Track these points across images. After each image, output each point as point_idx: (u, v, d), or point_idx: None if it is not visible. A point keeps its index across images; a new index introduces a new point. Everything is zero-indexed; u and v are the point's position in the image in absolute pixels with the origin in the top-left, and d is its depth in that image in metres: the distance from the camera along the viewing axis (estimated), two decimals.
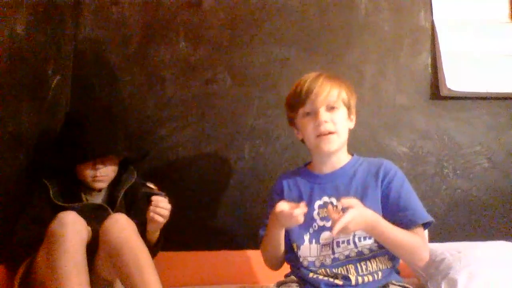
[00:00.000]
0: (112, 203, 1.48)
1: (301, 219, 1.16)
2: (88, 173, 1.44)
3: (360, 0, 1.98)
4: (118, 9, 1.92)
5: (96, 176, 1.44)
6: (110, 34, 1.90)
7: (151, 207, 1.33)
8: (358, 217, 1.11)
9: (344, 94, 1.30)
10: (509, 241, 1.63)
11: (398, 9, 1.99)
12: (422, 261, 1.22)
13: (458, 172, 1.89)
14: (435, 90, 1.94)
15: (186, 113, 1.87)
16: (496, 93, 1.92)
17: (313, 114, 1.27)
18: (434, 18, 1.99)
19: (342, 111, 1.29)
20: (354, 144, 1.81)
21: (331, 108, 1.27)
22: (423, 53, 1.97)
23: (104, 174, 1.45)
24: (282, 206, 1.17)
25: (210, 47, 1.92)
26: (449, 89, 1.89)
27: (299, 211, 1.15)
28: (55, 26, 1.73)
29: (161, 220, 1.35)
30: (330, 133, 1.26)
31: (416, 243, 1.19)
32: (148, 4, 1.93)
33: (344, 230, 1.08)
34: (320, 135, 1.26)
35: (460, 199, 1.87)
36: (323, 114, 1.25)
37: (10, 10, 1.42)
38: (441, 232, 1.81)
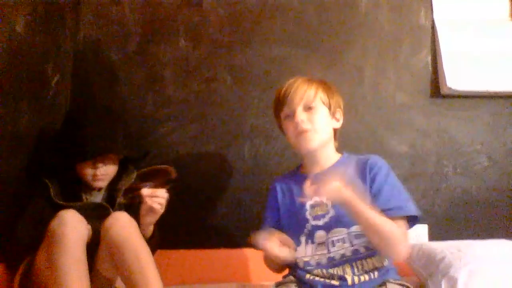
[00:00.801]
0: (111, 202, 1.49)
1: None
2: (88, 171, 1.44)
3: None
4: (118, 9, 1.92)
5: (96, 175, 1.44)
6: (110, 34, 1.91)
7: (151, 194, 1.33)
8: (339, 187, 1.13)
9: (321, 94, 1.33)
10: (509, 239, 1.63)
11: (398, 8, 1.99)
12: (398, 254, 1.20)
13: (458, 170, 1.89)
14: (435, 88, 1.94)
15: (186, 112, 1.87)
16: (497, 92, 1.92)
17: (292, 115, 1.32)
18: (434, 16, 1.99)
19: (321, 110, 1.32)
20: (355, 143, 1.82)
21: (308, 108, 1.31)
22: (423, 52, 1.96)
23: (104, 172, 1.45)
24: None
25: (210, 46, 1.92)
26: (449, 88, 1.89)
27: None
28: (55, 26, 1.74)
29: (160, 209, 1.35)
30: (307, 131, 1.29)
31: (394, 232, 1.16)
32: (148, 4, 1.93)
33: (318, 190, 1.11)
34: (299, 135, 1.30)
35: (460, 198, 1.87)
36: (299, 114, 1.30)
37: (10, 10, 1.42)
38: (441, 230, 1.81)
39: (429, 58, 1.96)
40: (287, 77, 1.86)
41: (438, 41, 1.95)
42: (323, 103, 1.33)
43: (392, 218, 1.18)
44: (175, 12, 1.93)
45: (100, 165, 1.44)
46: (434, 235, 1.77)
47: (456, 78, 1.90)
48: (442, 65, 1.92)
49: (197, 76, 1.90)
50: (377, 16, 1.98)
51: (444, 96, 1.93)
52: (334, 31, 1.96)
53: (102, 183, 1.47)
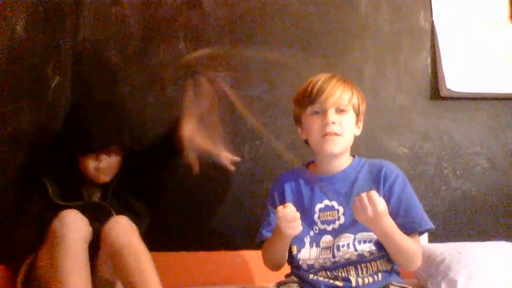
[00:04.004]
0: (105, 200, 1.48)
1: (299, 227, 1.16)
2: (91, 164, 1.43)
3: (360, 0, 1.98)
4: (118, 9, 1.92)
5: (100, 168, 1.43)
6: (110, 34, 1.90)
7: None
8: (383, 213, 1.10)
9: (355, 100, 1.30)
10: (509, 241, 1.64)
11: (398, 9, 1.99)
12: (415, 267, 1.24)
13: (457, 172, 1.89)
14: (435, 90, 1.94)
15: None
16: (496, 93, 1.92)
17: (322, 113, 1.26)
18: (433, 18, 1.99)
19: (350, 116, 1.29)
20: (354, 144, 1.80)
21: (340, 111, 1.26)
22: (423, 53, 1.97)
23: (108, 166, 1.44)
24: (285, 210, 1.14)
25: (210, 47, 1.92)
26: (449, 90, 1.89)
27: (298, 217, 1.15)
28: (55, 26, 1.73)
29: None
30: (335, 134, 1.25)
31: (414, 251, 1.20)
32: (148, 4, 1.93)
33: (365, 208, 1.08)
34: (325, 135, 1.25)
35: (460, 200, 1.87)
36: (332, 115, 1.25)
37: (10, 10, 1.42)
38: (440, 232, 1.81)
39: (429, 60, 1.96)
40: (286, 78, 1.88)
41: (437, 42, 1.96)
42: (354, 109, 1.29)
43: (409, 232, 1.20)
44: (175, 13, 1.93)
45: (103, 157, 1.43)
46: (433, 237, 1.77)
47: (456, 80, 1.90)
48: (441, 66, 1.92)
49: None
50: (377, 18, 1.98)
51: (444, 98, 1.93)
52: (333, 33, 1.96)
53: (106, 177, 1.46)
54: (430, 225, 1.22)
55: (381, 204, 1.09)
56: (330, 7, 1.97)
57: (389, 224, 1.15)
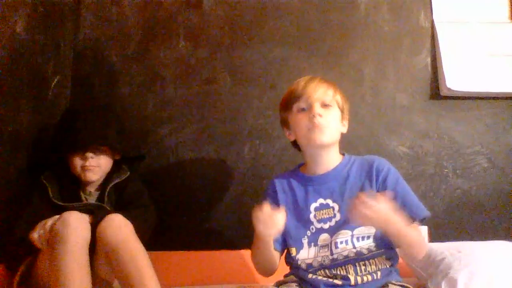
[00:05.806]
0: (102, 201, 1.48)
1: (280, 225, 1.18)
2: (78, 162, 1.44)
3: (360, 0, 1.98)
4: (118, 9, 1.92)
5: (86, 166, 1.44)
6: (110, 34, 1.91)
7: None
8: (385, 212, 1.12)
9: (338, 97, 1.34)
10: (509, 241, 1.63)
11: (398, 9, 1.99)
12: (422, 255, 1.26)
13: (458, 172, 1.89)
14: (435, 90, 1.94)
15: (186, 113, 1.87)
16: (496, 93, 1.92)
17: (308, 109, 1.29)
18: (434, 18, 1.99)
19: (335, 111, 1.32)
20: (354, 144, 1.82)
21: (325, 106, 1.30)
22: (423, 53, 1.97)
23: (95, 164, 1.45)
24: (260, 210, 1.17)
25: (210, 47, 1.92)
26: (449, 89, 1.89)
27: (279, 216, 1.17)
28: (55, 26, 1.74)
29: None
30: (322, 125, 1.27)
31: (422, 240, 1.24)
32: (148, 4, 1.93)
33: (365, 215, 1.10)
34: (312, 127, 1.28)
35: (460, 199, 1.87)
36: (318, 108, 1.28)
37: (10, 10, 1.43)
38: (441, 231, 1.81)
39: (429, 59, 1.96)
40: (286, 78, 1.88)
41: (437, 42, 1.96)
42: (338, 105, 1.33)
43: (409, 223, 1.22)
44: (175, 13, 1.93)
45: (90, 155, 1.44)
46: (434, 236, 1.77)
47: (456, 79, 1.90)
48: (441, 66, 1.92)
49: (197, 77, 1.90)
50: (377, 17, 1.98)
51: (444, 97, 1.93)
52: (334, 32, 1.96)
53: (93, 175, 1.46)
54: (427, 212, 1.25)
55: (385, 205, 1.11)
56: (330, 7, 1.98)
57: (397, 219, 1.15)
